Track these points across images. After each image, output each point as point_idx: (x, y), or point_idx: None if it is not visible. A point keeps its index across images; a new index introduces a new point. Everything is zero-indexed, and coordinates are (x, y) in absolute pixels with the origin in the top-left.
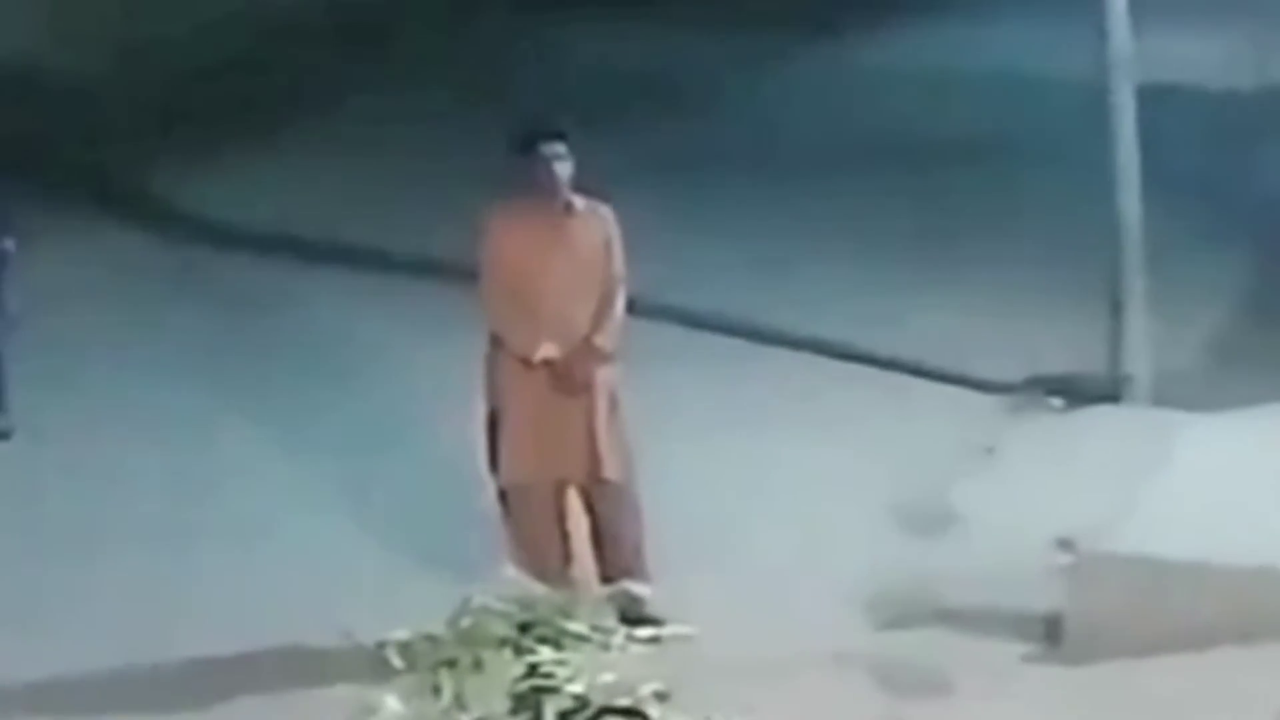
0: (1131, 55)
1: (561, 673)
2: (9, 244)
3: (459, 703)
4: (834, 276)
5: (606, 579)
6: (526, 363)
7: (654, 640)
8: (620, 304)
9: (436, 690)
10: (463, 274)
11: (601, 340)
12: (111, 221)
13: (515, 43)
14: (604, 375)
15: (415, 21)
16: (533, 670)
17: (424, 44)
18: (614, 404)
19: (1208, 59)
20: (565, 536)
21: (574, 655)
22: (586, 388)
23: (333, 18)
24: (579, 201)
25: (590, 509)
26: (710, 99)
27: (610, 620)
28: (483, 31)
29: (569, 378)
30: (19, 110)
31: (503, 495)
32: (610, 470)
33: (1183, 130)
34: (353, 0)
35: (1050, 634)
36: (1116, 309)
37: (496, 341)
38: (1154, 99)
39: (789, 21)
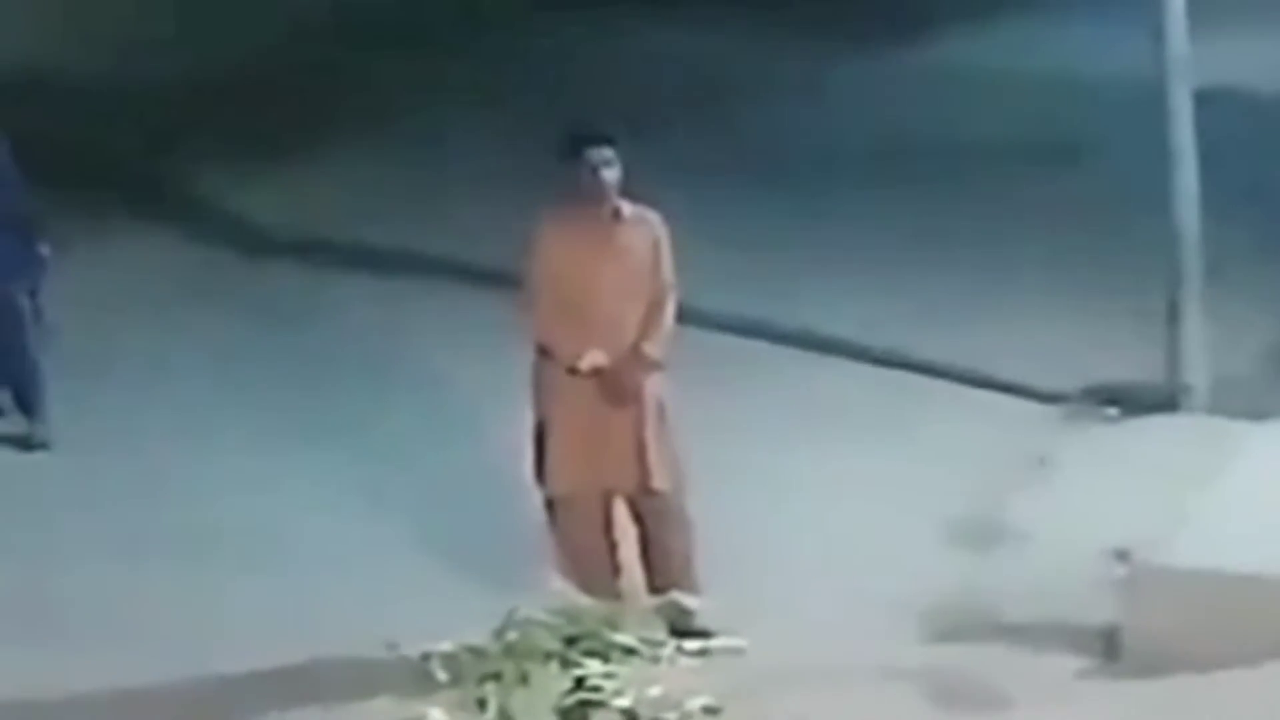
0: (1188, 58)
1: (609, 686)
2: (44, 250)
3: (504, 717)
4: (886, 283)
5: (655, 590)
6: (574, 371)
7: (703, 653)
8: (670, 312)
9: (481, 704)
10: (507, 281)
11: (650, 349)
12: (148, 228)
13: (552, 47)
14: (653, 384)
15: (453, 25)
16: (579, 684)
17: (461, 49)
18: (663, 413)
19: (1265, 61)
20: (613, 547)
21: (622, 668)
22: (635, 397)
23: (371, 20)
24: (627, 208)
25: (638, 519)
26: (757, 103)
27: (659, 632)
28: (517, 36)
29: (617, 387)
30: (54, 116)
31: (549, 505)
32: (659, 480)
33: (1240, 134)
34: (392, 5)
35: (1107, 649)
36: (1173, 316)
37: (543, 351)
38: (1211, 102)
39: (834, 24)
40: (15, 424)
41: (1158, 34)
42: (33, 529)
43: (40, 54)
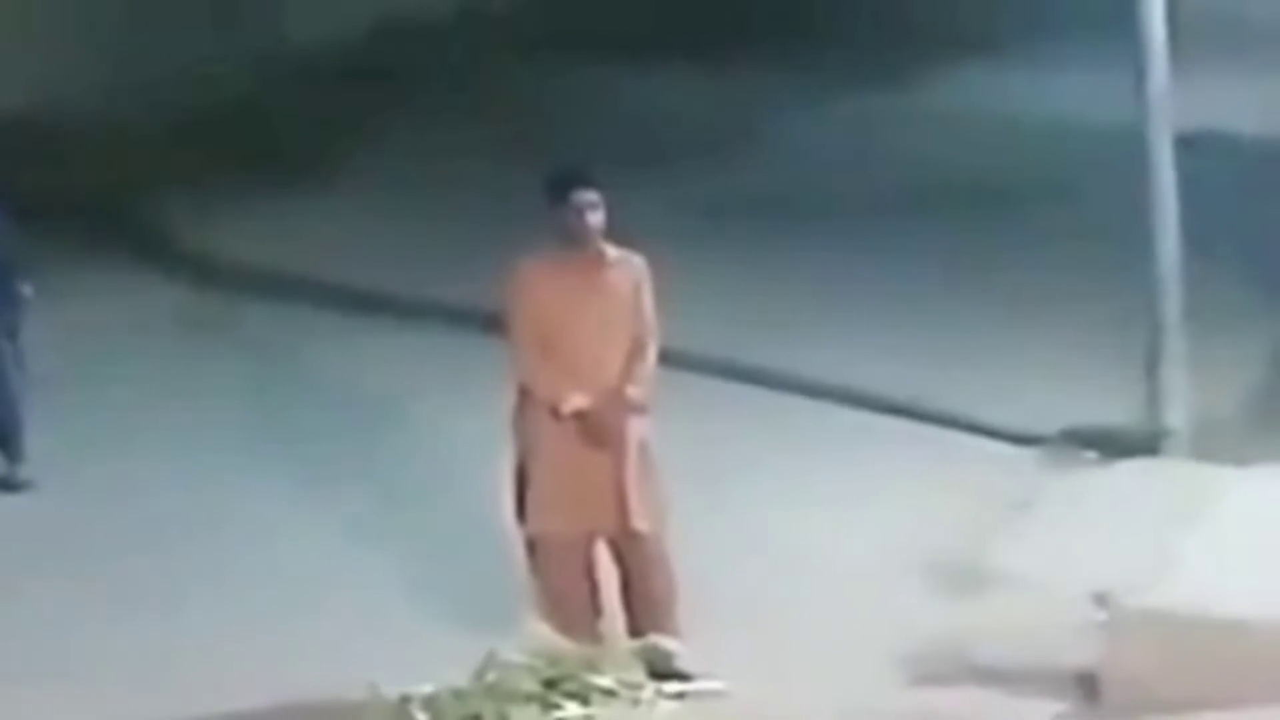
0: (1169, 101)
1: None
2: (26, 290)
3: None
4: (870, 325)
5: (635, 633)
6: (556, 413)
7: (683, 696)
8: (652, 355)
9: None
10: (492, 322)
11: (633, 391)
12: (138, 268)
13: (554, 86)
14: (635, 426)
15: (447, 64)
16: None
17: (457, 88)
18: (645, 455)
19: (1245, 104)
20: (594, 589)
21: (602, 711)
22: (617, 439)
23: (365, 60)
24: (611, 250)
25: (620, 561)
26: (755, 144)
27: (639, 675)
28: (520, 75)
29: (599, 428)
30: (39, 160)
31: (530, 547)
32: (640, 522)
33: (1221, 176)
34: (386, 43)
35: (1086, 691)
36: (1153, 358)
37: (525, 392)
38: (1192, 145)
39: (830, 68)
40: None
41: (1140, 78)
42: (13, 569)
43: (26, 99)
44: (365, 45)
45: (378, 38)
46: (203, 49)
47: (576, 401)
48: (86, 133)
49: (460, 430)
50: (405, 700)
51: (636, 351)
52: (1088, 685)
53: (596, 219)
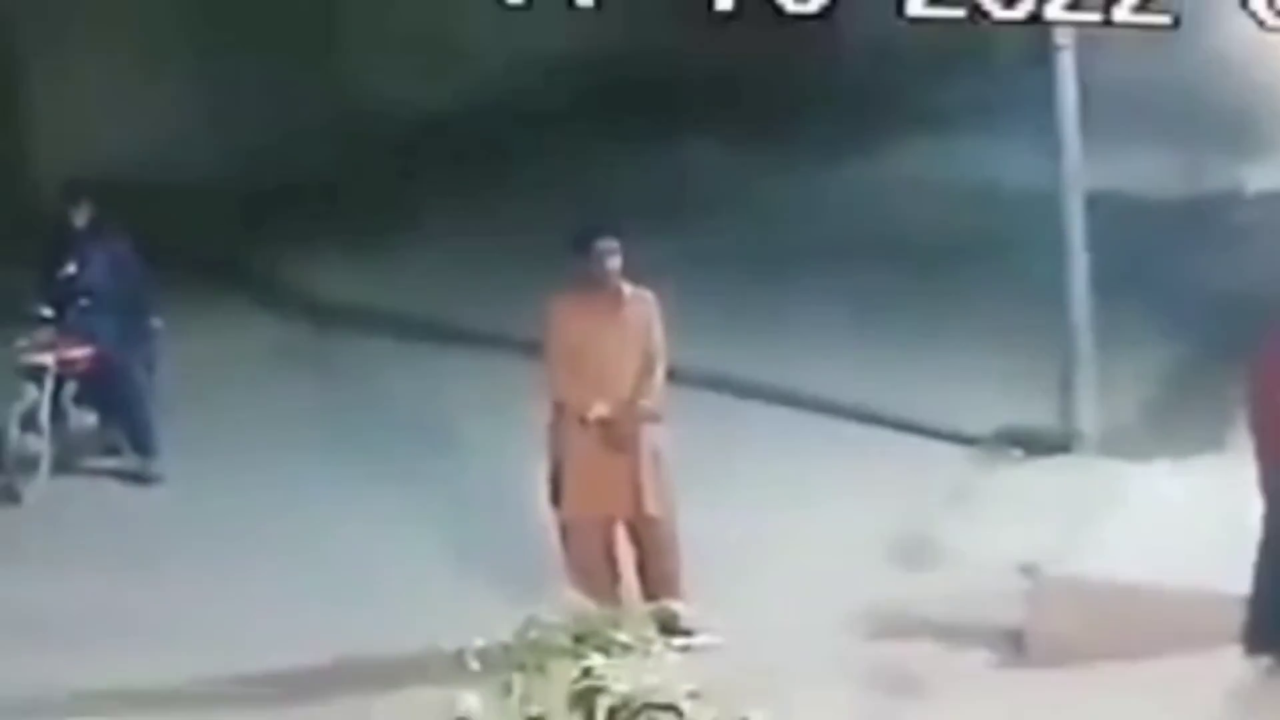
0: (1081, 168)
1: (611, 675)
2: (157, 322)
3: (526, 700)
4: (838, 350)
5: (648, 598)
6: (583, 420)
7: (687, 648)
8: (660, 373)
9: (507, 689)
10: (532, 348)
11: (645, 402)
12: (245, 307)
13: (588, 156)
14: (647, 431)
15: (508, 136)
16: (587, 673)
17: (517, 156)
18: (657, 454)
19: (1149, 168)
20: (614, 563)
21: (621, 661)
22: (632, 441)
23: (431, 133)
24: (627, 288)
25: (635, 541)
26: (745, 204)
27: (651, 632)
28: (562, 146)
29: (618, 433)
30: (166, 214)
31: (563, 530)
32: (652, 507)
33: (1127, 231)
34: (463, 119)
35: (1015, 645)
36: (1068, 377)
37: (558, 404)
38: (1101, 204)
39: (809, 141)
40: (131, 462)
41: (1057, 148)
42: (145, 544)
43: (156, 165)
44: (444, 118)
45: (454, 114)
46: (303, 118)
47: (599, 410)
48: (204, 192)
49: (506, 436)
50: (462, 653)
51: (648, 370)
52: (1016, 640)
53: (615, 263)
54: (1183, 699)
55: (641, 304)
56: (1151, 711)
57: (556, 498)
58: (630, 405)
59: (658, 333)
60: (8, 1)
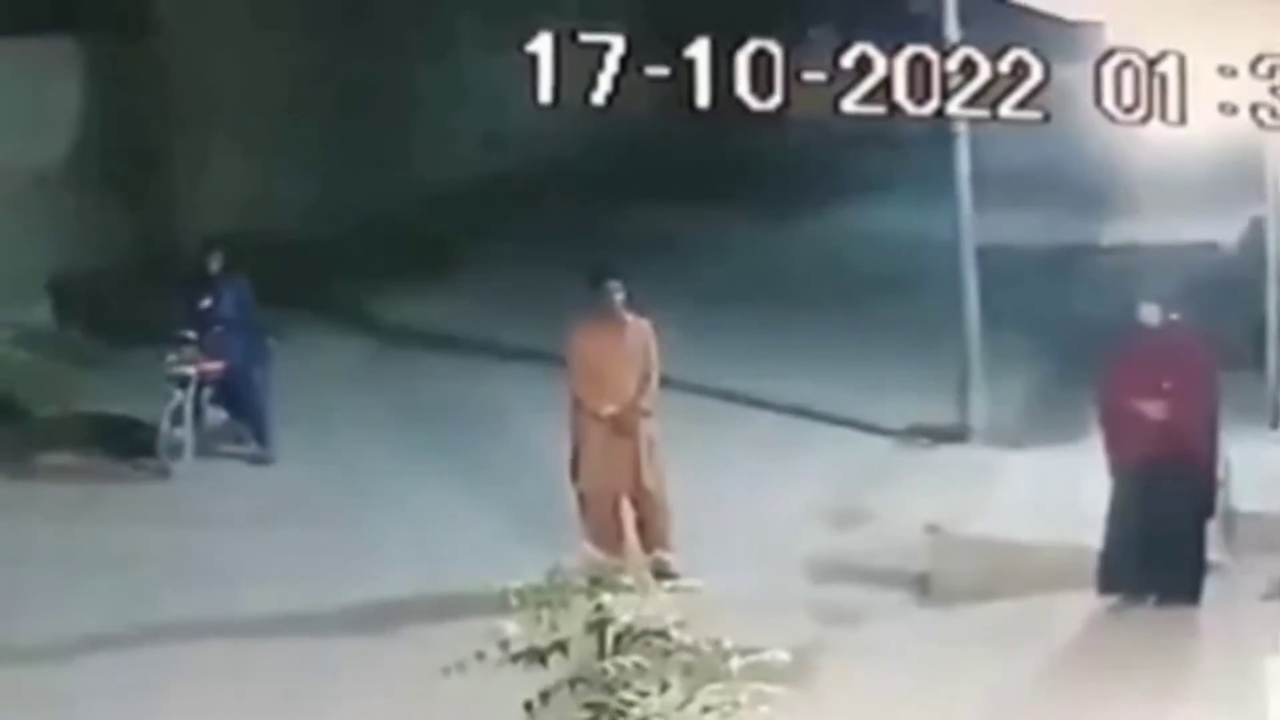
0: (973, 225)
1: (617, 609)
2: (272, 342)
3: (553, 628)
4: (791, 363)
5: (645, 550)
6: (597, 415)
7: (675, 589)
8: (655, 380)
9: (539, 619)
10: (560, 360)
11: (644, 402)
12: (339, 331)
13: (605, 215)
14: (645, 424)
15: (531, 199)
16: (599, 608)
17: (537, 214)
18: (652, 442)
19: (1033, 225)
20: (620, 524)
21: (625, 598)
22: (634, 431)
23: (483, 196)
24: (629, 317)
25: (635, 507)
26: (723, 254)
27: (648, 576)
28: (582, 204)
29: (623, 425)
30: (275, 259)
31: (581, 498)
32: (648, 481)
33: (1016, 276)
34: (495, 185)
35: (923, 587)
36: (963, 385)
37: (578, 403)
38: (992, 254)
39: (778, 205)
40: (253, 448)
41: (955, 208)
42: (264, 514)
43: (268, 220)
44: (492, 183)
45: (501, 179)
46: (384, 183)
47: (609, 408)
48: (307, 243)
49: (541, 428)
50: (504, 591)
51: (646, 378)
52: (924, 583)
53: (620, 298)
54: (1049, 628)
55: (641, 329)
56: (1025, 637)
57: (575, 474)
58: (632, 405)
59: (653, 351)
60: (156, 95)
